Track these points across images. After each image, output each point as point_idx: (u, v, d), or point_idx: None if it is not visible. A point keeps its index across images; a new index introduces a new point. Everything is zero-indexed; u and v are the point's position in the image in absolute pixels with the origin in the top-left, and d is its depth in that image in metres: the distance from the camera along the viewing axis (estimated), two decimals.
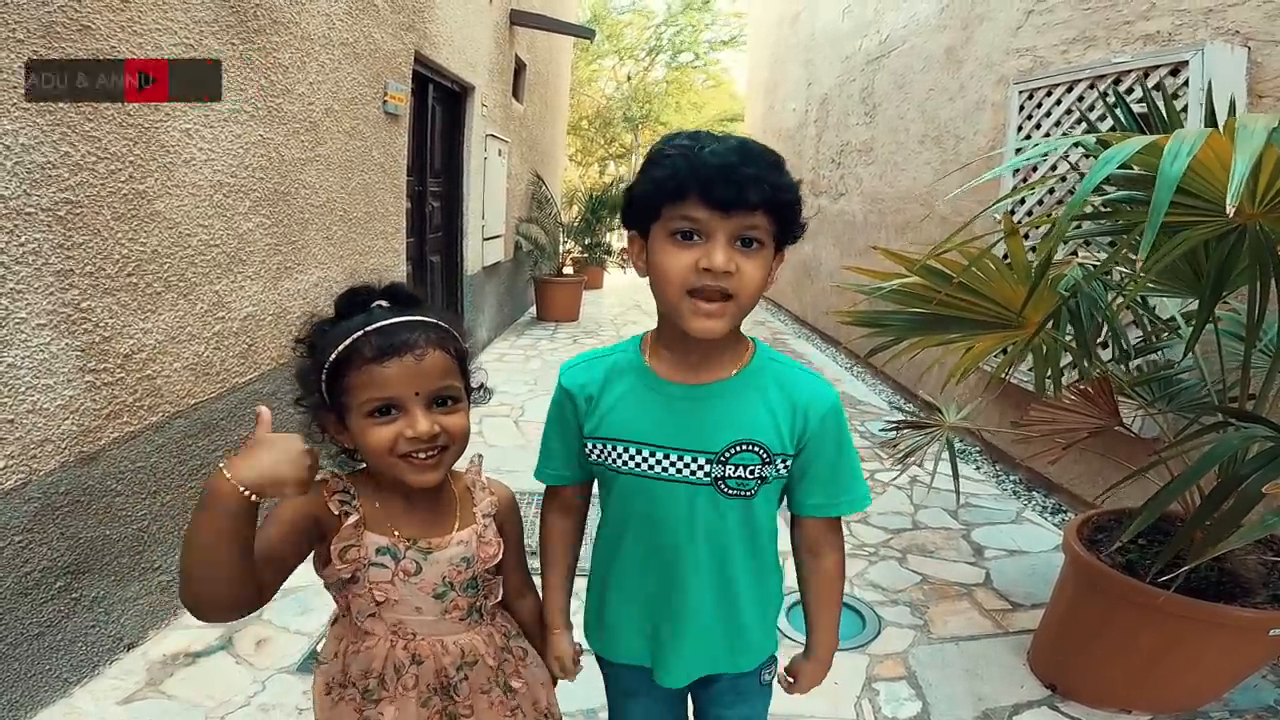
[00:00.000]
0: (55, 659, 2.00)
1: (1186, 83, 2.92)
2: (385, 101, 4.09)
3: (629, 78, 21.15)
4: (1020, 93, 4.07)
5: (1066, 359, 2.38)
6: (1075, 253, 2.70)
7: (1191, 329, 1.77)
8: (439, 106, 5.65)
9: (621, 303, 10.98)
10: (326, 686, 1.06)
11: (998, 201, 2.72)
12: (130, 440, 2.22)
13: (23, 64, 1.71)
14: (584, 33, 9.23)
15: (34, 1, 1.72)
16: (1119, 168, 1.23)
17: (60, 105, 1.83)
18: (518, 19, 7.67)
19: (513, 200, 8.27)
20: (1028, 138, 3.98)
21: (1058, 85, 3.76)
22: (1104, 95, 3.19)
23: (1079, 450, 2.29)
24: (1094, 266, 2.14)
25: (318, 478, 0.89)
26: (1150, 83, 3.06)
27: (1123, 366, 2.22)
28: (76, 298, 1.94)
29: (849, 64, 7.85)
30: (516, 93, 8.21)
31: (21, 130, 1.72)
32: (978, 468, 4.23)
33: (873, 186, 6.90)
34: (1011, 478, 4.04)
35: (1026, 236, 3.64)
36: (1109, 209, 1.79)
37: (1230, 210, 1.01)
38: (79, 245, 1.93)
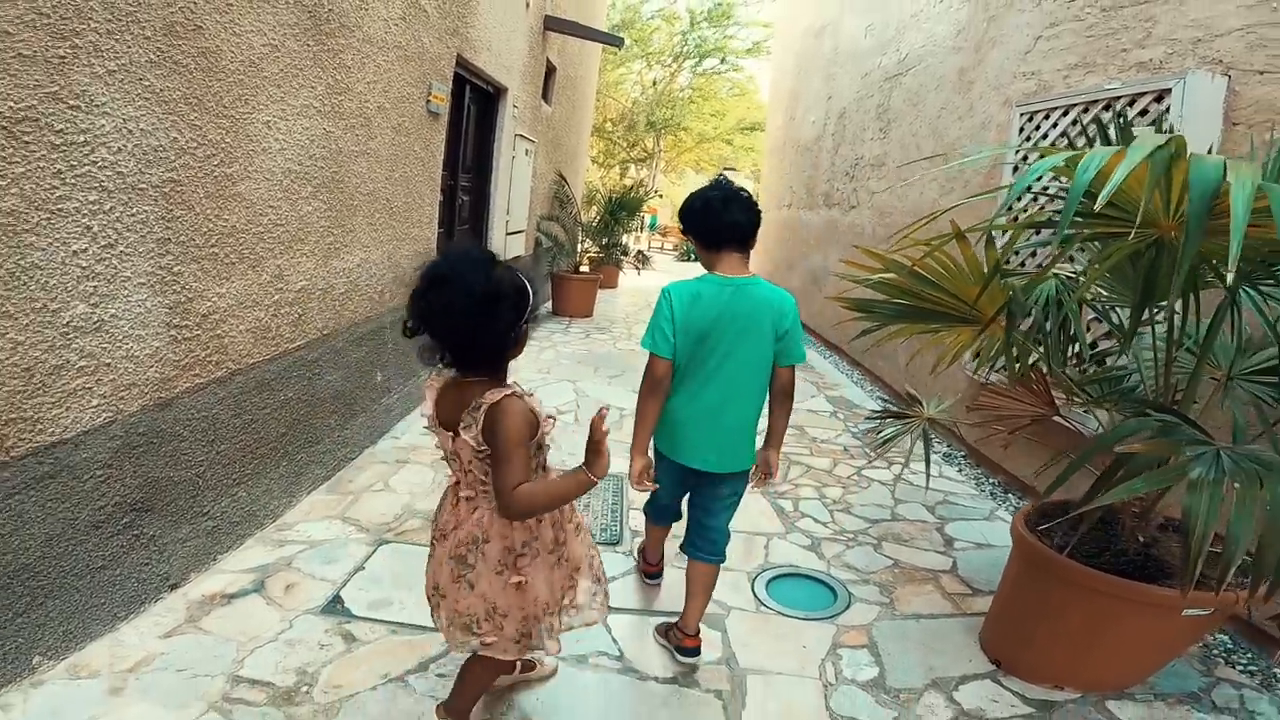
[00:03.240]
0: (110, 593, 2.20)
1: (1169, 109, 3.11)
2: (429, 101, 4.41)
3: (654, 83, 21.39)
4: (1021, 114, 4.29)
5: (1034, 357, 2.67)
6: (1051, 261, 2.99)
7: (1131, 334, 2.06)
8: (474, 106, 5.96)
9: (634, 302, 11.23)
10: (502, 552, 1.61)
11: (992, 221, 3.01)
12: (198, 391, 2.52)
13: (149, 57, 2.02)
14: (614, 40, 9.54)
15: (160, 4, 2.03)
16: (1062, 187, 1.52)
17: (174, 96, 2.14)
18: (551, 24, 7.97)
19: (536, 198, 8.57)
20: (1025, 159, 4.22)
21: (1055, 109, 3.97)
22: (1096, 120, 3.44)
23: (1053, 454, 2.56)
24: (1069, 277, 2.42)
25: (517, 393, 1.51)
26: (1137, 108, 3.29)
27: (1078, 367, 2.49)
28: (170, 263, 2.26)
29: (868, 80, 8.04)
30: (546, 95, 8.51)
31: (142, 117, 2.03)
32: (960, 470, 4.50)
33: (883, 200, 7.10)
34: (990, 480, 4.31)
35: (993, 243, 3.91)
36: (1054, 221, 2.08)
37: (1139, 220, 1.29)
38: (176, 218, 2.25)
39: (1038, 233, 2.24)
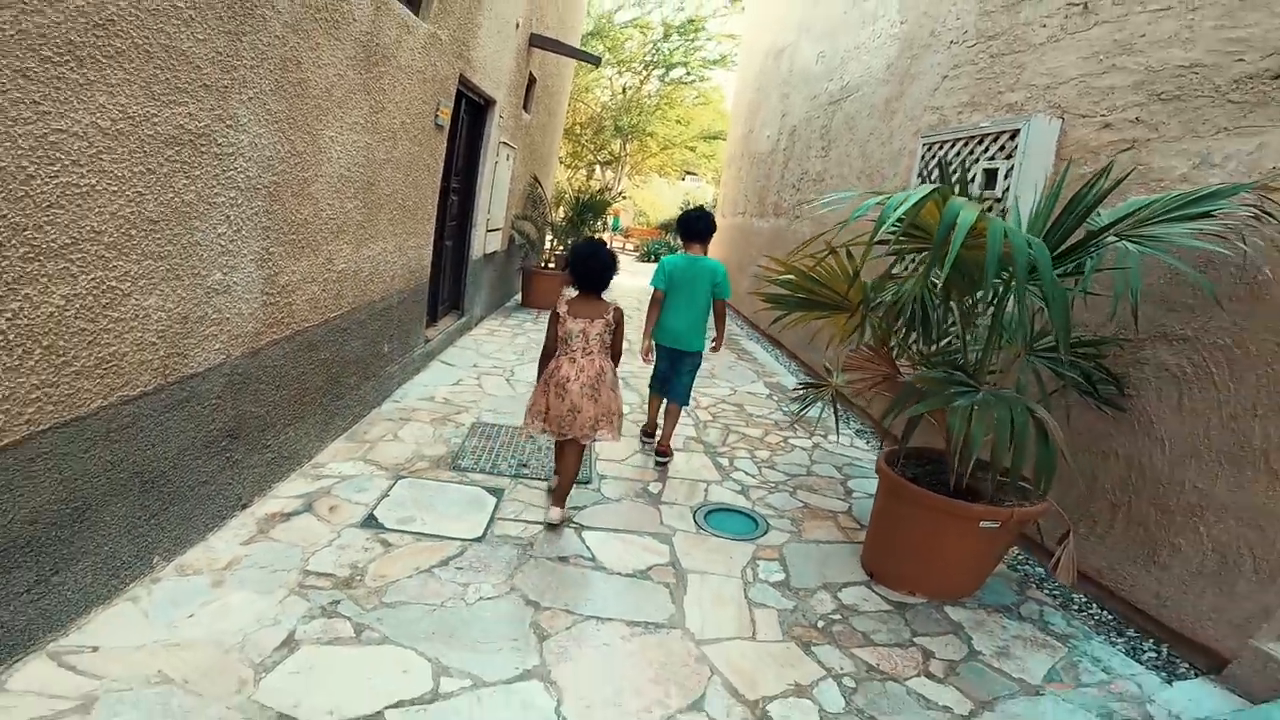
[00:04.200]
0: (206, 506, 2.83)
1: (1018, 145, 3.89)
2: (437, 115, 5.13)
3: (624, 90, 21.98)
4: (924, 144, 5.06)
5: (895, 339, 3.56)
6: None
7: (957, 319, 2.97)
8: (467, 117, 6.66)
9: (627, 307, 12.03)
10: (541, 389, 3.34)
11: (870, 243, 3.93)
12: (274, 345, 3.23)
13: (270, 86, 2.75)
14: (592, 60, 10.30)
15: (274, 43, 2.76)
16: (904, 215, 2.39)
17: (281, 117, 2.87)
18: (536, 42, 8.69)
19: (512, 198, 9.29)
20: (924, 181, 4.98)
21: (946, 141, 4.74)
22: (971, 153, 4.34)
23: (932, 424, 3.43)
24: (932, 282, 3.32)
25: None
26: (999, 143, 4.09)
27: (928, 344, 3.35)
28: (268, 245, 2.97)
29: (815, 102, 8.75)
30: (526, 104, 9.23)
31: (263, 133, 2.76)
32: (867, 442, 5.45)
33: (820, 213, 7.85)
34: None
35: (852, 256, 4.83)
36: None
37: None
38: (274, 212, 2.97)
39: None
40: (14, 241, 1.73)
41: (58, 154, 1.81)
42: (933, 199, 2.26)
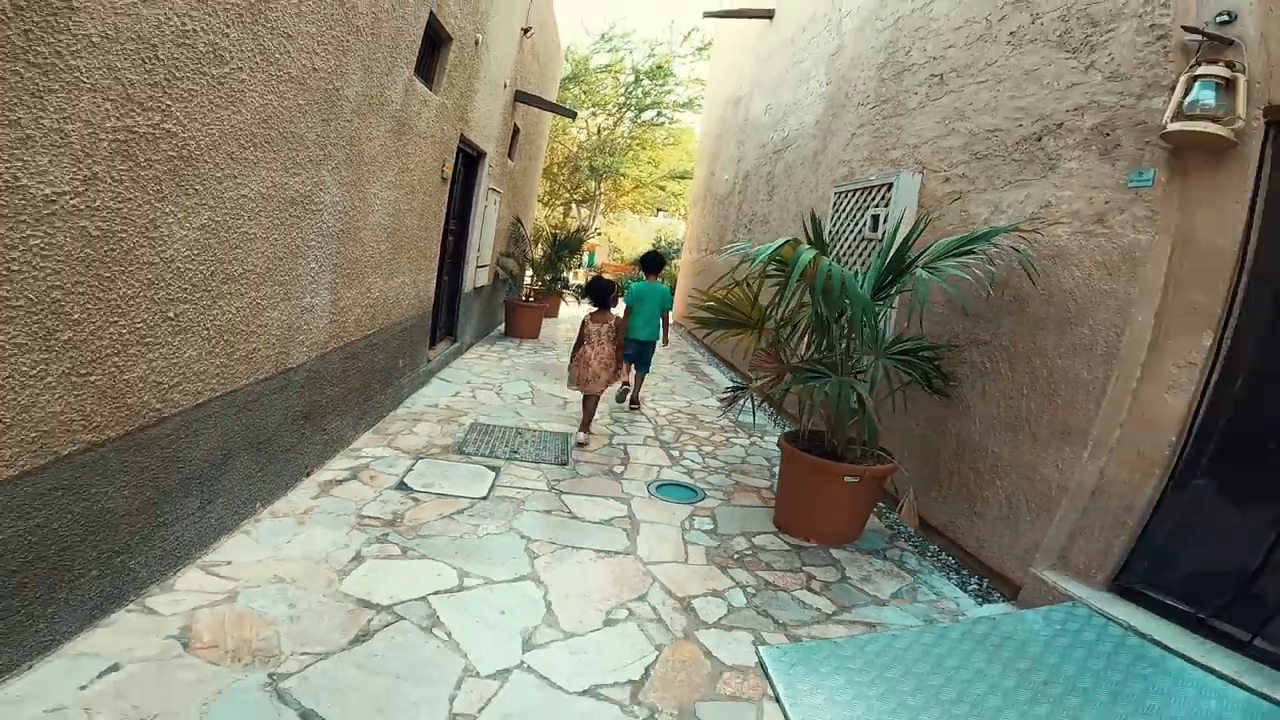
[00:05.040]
0: (287, 469, 3.85)
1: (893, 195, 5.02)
2: (443, 170, 6.30)
3: (599, 130, 23.20)
4: (835, 192, 6.14)
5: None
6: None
7: (835, 331, 4.15)
8: (463, 169, 7.82)
9: (573, 328, 13.02)
10: (573, 365, 5.73)
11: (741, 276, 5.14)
12: (334, 352, 4.31)
13: (345, 157, 3.90)
14: (568, 113, 11.61)
15: (345, 125, 3.90)
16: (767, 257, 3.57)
17: (348, 180, 4.01)
18: (520, 98, 9.93)
19: (498, 238, 10.44)
20: (835, 224, 6.02)
21: (848, 190, 5.85)
22: (863, 201, 5.54)
23: (828, 412, 4.58)
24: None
25: (619, 316, 5.97)
26: (881, 194, 5.20)
27: (818, 351, 4.52)
28: (335, 278, 4.09)
29: (764, 150, 9.64)
30: (511, 153, 10.45)
31: (339, 193, 3.89)
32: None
33: (727, 257, 8.56)
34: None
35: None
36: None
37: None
38: (340, 252, 4.09)
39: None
40: (218, 273, 2.83)
41: (241, 211, 2.92)
42: (788, 244, 3.46)
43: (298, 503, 3.85)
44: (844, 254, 5.77)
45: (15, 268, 1.83)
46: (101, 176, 2.07)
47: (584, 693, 2.57)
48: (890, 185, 5.15)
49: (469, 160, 8.03)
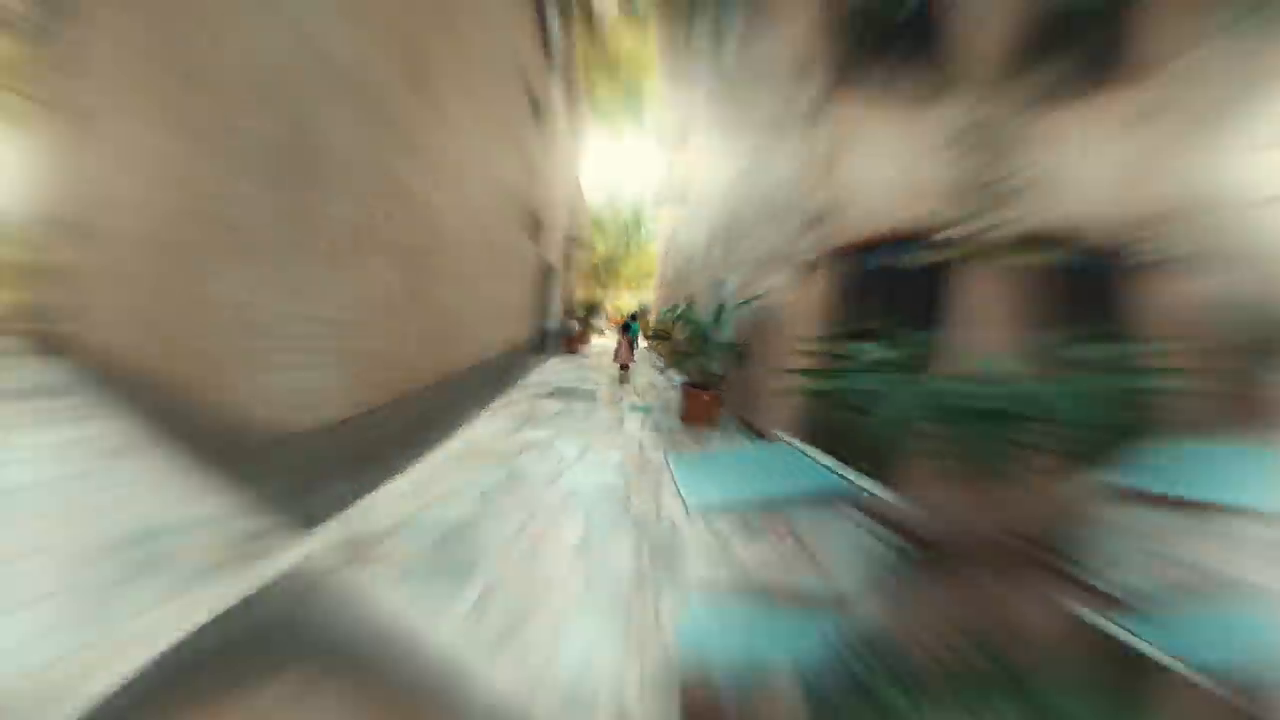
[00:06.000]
0: (480, 405, 5.91)
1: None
2: (537, 278, 8.39)
3: (607, 252, 25.55)
4: (708, 280, 8.48)
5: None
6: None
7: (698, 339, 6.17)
8: (542, 274, 9.91)
9: (599, 349, 15.17)
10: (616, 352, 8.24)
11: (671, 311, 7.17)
12: (502, 354, 6.38)
13: (498, 272, 6.00)
14: (591, 247, 13.75)
15: (499, 258, 6.00)
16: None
17: (466, 281, 6.10)
18: (568, 239, 12.02)
19: (558, 305, 12.54)
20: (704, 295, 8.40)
21: (711, 281, 8.16)
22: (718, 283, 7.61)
23: (698, 371, 6.59)
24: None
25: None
26: (723, 282, 7.46)
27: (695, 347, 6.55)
28: (502, 321, 6.15)
29: (685, 260, 11.78)
30: (566, 266, 12.55)
31: (497, 287, 5.98)
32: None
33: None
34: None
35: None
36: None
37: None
38: (498, 312, 6.15)
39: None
40: (470, 314, 4.89)
41: (488, 296, 5.00)
42: (684, 307, 5.51)
43: (478, 430, 5.86)
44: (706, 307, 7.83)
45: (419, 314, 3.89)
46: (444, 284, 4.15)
47: (600, 465, 4.61)
48: (726, 280, 7.23)
49: (546, 269, 10.13)
